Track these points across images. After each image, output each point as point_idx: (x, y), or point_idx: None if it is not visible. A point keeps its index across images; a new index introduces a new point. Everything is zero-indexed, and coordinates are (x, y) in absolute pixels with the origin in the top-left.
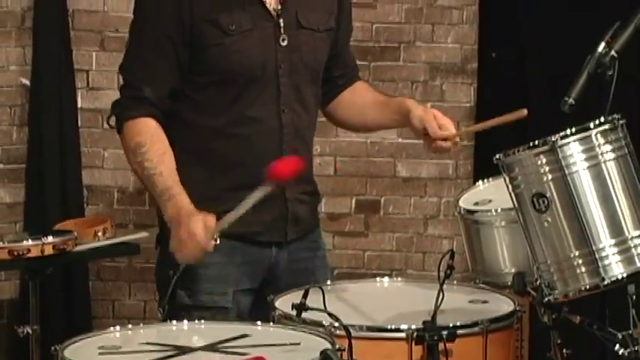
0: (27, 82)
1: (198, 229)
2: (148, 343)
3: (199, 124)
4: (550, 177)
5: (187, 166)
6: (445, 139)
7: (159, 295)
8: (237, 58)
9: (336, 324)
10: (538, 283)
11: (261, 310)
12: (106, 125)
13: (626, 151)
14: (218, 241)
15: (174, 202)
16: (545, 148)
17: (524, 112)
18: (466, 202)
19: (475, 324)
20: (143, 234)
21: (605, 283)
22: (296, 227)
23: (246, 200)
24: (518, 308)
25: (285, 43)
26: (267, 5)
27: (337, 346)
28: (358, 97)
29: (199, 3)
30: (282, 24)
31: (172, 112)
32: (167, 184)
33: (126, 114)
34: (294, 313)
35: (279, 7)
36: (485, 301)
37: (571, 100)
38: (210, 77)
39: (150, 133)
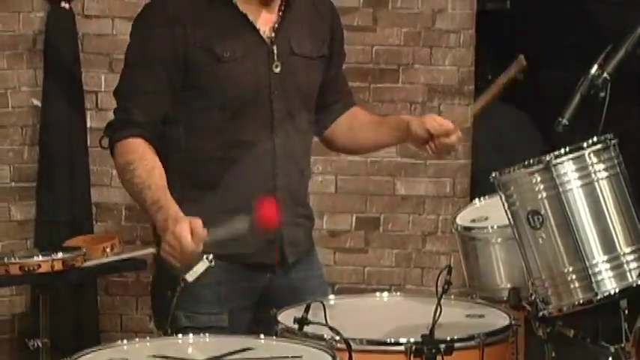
0: (38, 102)
1: (184, 231)
2: (154, 356)
3: (193, 147)
4: (544, 195)
5: (181, 189)
6: (447, 134)
7: (153, 313)
8: (231, 84)
9: (337, 337)
10: (533, 297)
11: (260, 328)
12: None
13: (618, 169)
14: (213, 263)
15: (162, 212)
16: (540, 166)
17: (522, 59)
18: (463, 219)
19: (472, 337)
20: (150, 250)
21: (598, 297)
22: (291, 251)
23: (237, 223)
24: (513, 322)
25: (277, 70)
26: (262, 33)
27: (338, 359)
28: (354, 121)
29: (194, 30)
30: (275, 51)
31: (166, 135)
32: (155, 196)
33: (116, 135)
34: (296, 326)
35: (273, 35)
36: (481, 316)
37: (564, 121)
38: (204, 102)
39: (139, 151)
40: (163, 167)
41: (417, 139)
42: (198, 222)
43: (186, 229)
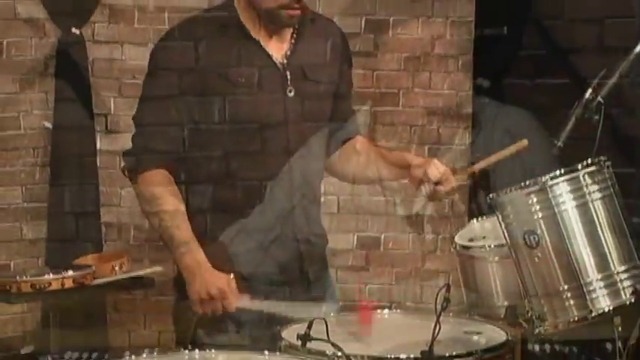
0: (49, 125)
1: (226, 287)
2: None
3: (209, 169)
4: (540, 215)
5: (198, 210)
6: (446, 182)
7: (176, 334)
8: (246, 108)
9: (339, 353)
10: (529, 315)
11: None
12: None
13: (612, 190)
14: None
15: (192, 256)
16: (536, 188)
17: (525, 142)
18: (462, 238)
19: (470, 353)
20: (158, 268)
21: (593, 315)
22: (309, 268)
23: (287, 307)
24: (510, 339)
25: (292, 94)
26: (275, 59)
27: None
28: (358, 153)
29: (209, 56)
30: (288, 76)
31: (183, 157)
32: (184, 237)
33: (139, 166)
34: (299, 343)
35: (286, 62)
36: (479, 332)
37: (559, 144)
38: (220, 126)
39: (164, 186)
40: (180, 187)
41: (414, 179)
42: (234, 282)
43: (227, 286)
